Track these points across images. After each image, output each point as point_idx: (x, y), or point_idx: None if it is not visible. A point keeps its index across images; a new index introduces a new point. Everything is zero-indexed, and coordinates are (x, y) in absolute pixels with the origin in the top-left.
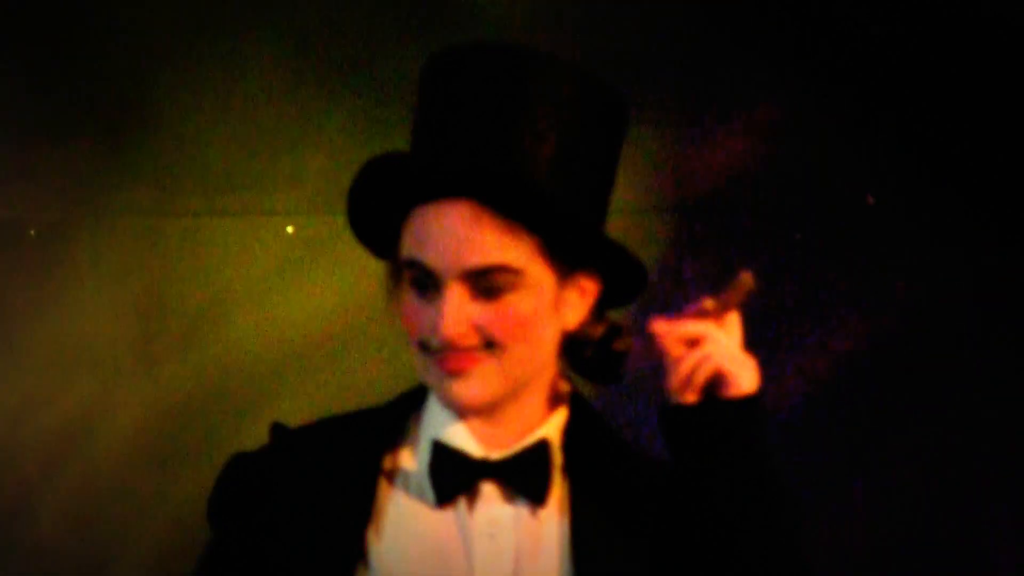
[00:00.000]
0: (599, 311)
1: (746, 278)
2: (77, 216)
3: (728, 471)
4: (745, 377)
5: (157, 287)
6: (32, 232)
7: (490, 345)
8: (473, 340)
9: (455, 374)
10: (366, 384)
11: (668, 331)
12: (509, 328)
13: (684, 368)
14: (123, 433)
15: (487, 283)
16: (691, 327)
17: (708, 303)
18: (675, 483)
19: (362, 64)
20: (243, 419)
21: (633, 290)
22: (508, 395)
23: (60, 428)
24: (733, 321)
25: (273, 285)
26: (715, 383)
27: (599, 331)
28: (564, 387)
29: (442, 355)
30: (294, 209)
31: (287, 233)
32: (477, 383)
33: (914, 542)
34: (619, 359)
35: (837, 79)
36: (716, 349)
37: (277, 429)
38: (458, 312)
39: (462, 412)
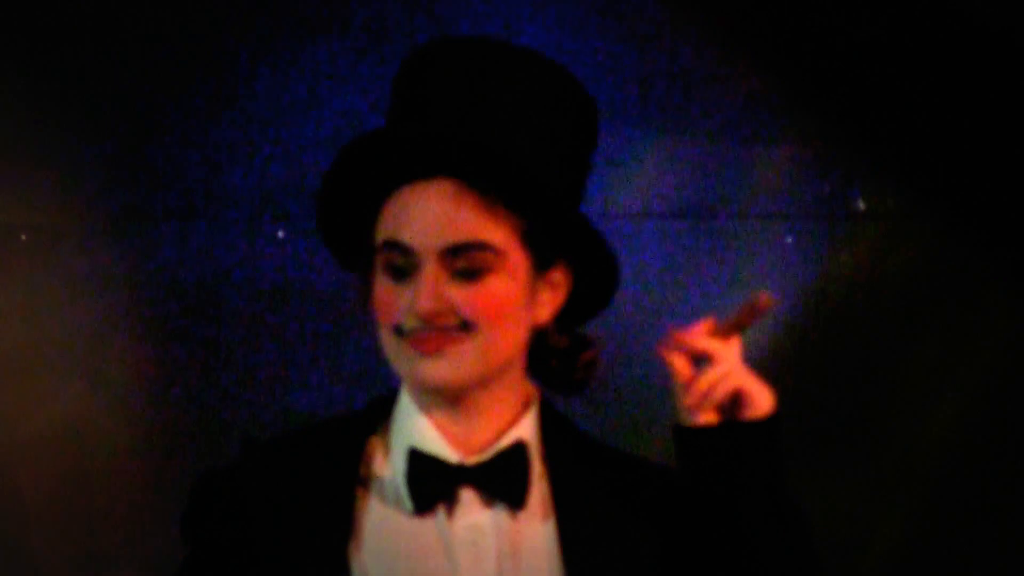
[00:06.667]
0: (567, 323)
1: (763, 300)
2: (68, 221)
3: (749, 491)
4: (764, 397)
5: (150, 292)
6: (23, 236)
7: (465, 326)
8: (449, 320)
9: (428, 354)
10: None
11: (678, 350)
12: (485, 309)
13: (701, 387)
14: (115, 438)
15: (466, 263)
16: (701, 343)
17: (718, 322)
18: (684, 496)
19: (353, 65)
20: (237, 419)
21: (604, 292)
22: (479, 383)
23: (51, 433)
24: (734, 340)
25: (266, 287)
26: (732, 403)
27: (565, 342)
28: (531, 388)
29: (416, 336)
30: (283, 213)
31: (278, 238)
32: (450, 363)
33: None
34: (585, 370)
35: (831, 81)
36: (732, 368)
37: (247, 443)
38: (436, 288)
39: (432, 400)
